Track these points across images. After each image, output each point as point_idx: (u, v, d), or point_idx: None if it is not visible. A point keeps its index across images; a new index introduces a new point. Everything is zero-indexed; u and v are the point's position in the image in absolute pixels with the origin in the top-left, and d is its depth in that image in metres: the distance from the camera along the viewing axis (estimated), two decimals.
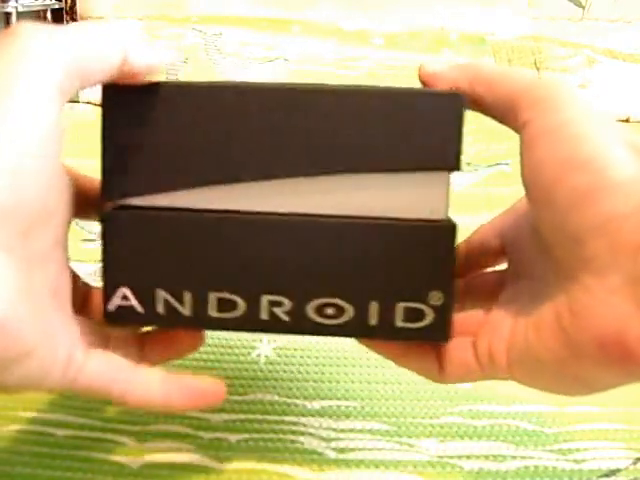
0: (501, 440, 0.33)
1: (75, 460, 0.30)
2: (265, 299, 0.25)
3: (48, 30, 0.22)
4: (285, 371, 0.37)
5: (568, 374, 0.22)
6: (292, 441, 0.32)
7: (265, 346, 0.39)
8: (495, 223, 0.30)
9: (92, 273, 0.48)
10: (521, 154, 0.24)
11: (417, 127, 0.24)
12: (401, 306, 0.25)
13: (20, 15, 1.24)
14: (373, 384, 0.37)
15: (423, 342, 0.26)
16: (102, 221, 0.25)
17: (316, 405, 0.35)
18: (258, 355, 0.39)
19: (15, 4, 1.21)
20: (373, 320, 0.25)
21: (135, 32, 0.26)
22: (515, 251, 0.28)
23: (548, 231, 0.23)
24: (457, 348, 0.26)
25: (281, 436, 0.32)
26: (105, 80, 0.23)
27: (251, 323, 0.25)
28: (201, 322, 0.26)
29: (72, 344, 0.24)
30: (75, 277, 0.28)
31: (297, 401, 0.35)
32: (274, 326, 0.25)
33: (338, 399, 0.35)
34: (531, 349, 0.23)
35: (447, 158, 0.24)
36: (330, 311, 0.25)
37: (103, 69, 0.23)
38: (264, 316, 0.25)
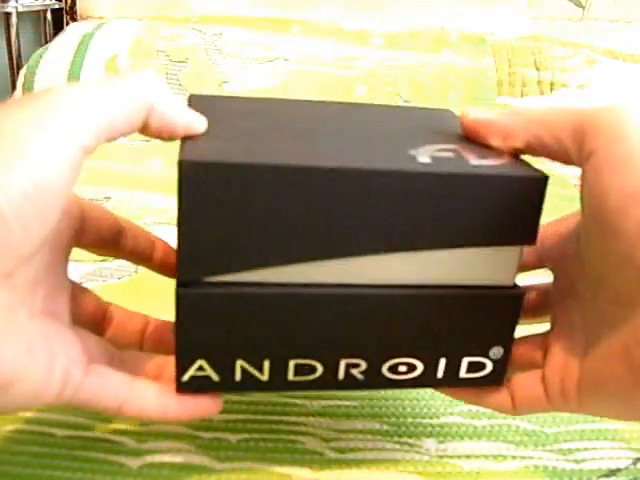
0: (501, 440, 0.33)
1: (75, 460, 0.30)
2: (343, 362, 0.26)
3: (82, 91, 0.22)
4: None
5: (638, 403, 0.22)
6: (292, 441, 0.32)
7: None
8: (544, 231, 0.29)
9: (91, 273, 0.48)
10: (583, 184, 0.23)
11: (497, 208, 0.24)
12: (466, 360, 0.27)
13: (20, 15, 1.24)
14: None
15: (481, 386, 0.28)
16: (176, 299, 0.24)
17: (316, 405, 0.35)
18: None
19: (15, 4, 1.21)
20: (440, 373, 0.27)
21: (159, 83, 0.26)
22: (559, 269, 0.28)
23: (611, 261, 0.22)
24: (527, 385, 0.27)
25: (281, 436, 0.32)
26: (127, 134, 0.24)
27: (328, 383, 0.26)
28: (279, 386, 0.26)
29: (70, 363, 0.24)
30: (90, 295, 0.29)
31: (297, 401, 0.35)
32: (349, 385, 0.27)
33: (338, 399, 0.35)
34: (602, 382, 0.23)
35: (525, 235, 0.25)
36: (402, 369, 0.27)
37: (128, 126, 0.23)
38: (341, 377, 0.26)
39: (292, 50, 1.10)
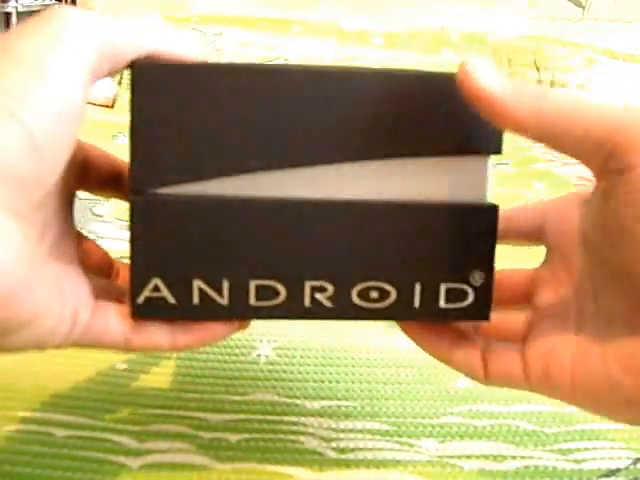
0: (501, 440, 0.33)
1: (75, 460, 0.30)
2: (308, 285, 0.24)
3: (84, 13, 0.22)
4: (285, 371, 0.37)
5: None
6: (292, 441, 0.32)
7: (265, 346, 0.39)
8: (537, 210, 0.28)
9: None
10: (612, 199, 0.21)
11: (459, 111, 0.24)
12: (444, 287, 0.25)
13: (20, 15, 1.24)
14: (373, 384, 0.36)
15: (465, 321, 0.26)
16: (130, 209, 0.24)
17: (316, 405, 0.35)
18: (258, 355, 0.39)
19: (15, 4, 1.21)
20: (416, 302, 0.25)
21: (166, 24, 0.26)
22: (558, 253, 0.26)
23: (637, 274, 0.21)
24: (503, 355, 0.25)
25: (281, 436, 0.32)
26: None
27: (293, 310, 0.25)
28: (240, 311, 0.25)
29: (79, 304, 0.24)
30: (95, 245, 0.29)
31: (297, 401, 0.35)
32: (316, 313, 0.25)
33: (338, 399, 0.35)
34: (618, 387, 0.22)
35: (489, 142, 0.24)
36: (374, 295, 0.25)
37: (134, 53, 0.23)
38: (306, 303, 0.24)
39: (292, 50, 1.10)
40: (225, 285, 0.24)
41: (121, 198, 0.29)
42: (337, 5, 1.26)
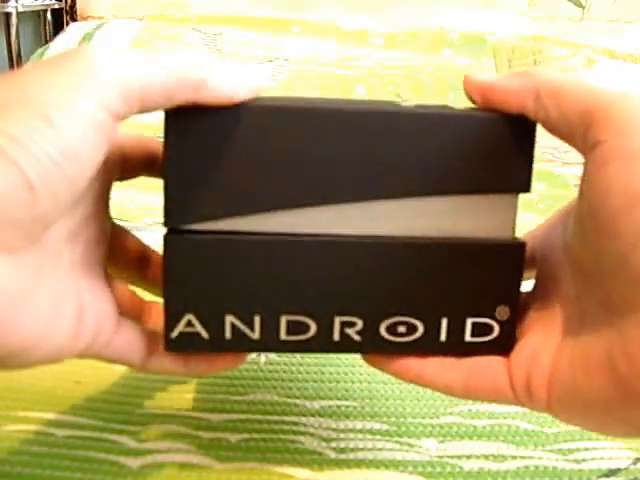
0: (501, 440, 0.33)
1: (75, 460, 0.30)
2: (338, 320, 0.25)
3: (112, 53, 0.21)
4: (285, 371, 0.37)
5: (618, 417, 0.21)
6: (292, 441, 0.32)
7: None
8: (529, 237, 0.28)
9: None
10: (585, 178, 0.22)
11: (488, 150, 0.24)
12: (470, 321, 0.25)
13: (20, 15, 1.24)
14: (373, 384, 0.37)
15: (489, 355, 0.26)
16: (164, 247, 0.24)
17: (316, 405, 0.35)
18: (258, 355, 0.39)
19: (15, 4, 1.21)
20: (443, 336, 0.25)
21: (214, 58, 0.25)
22: (543, 264, 0.26)
23: (605, 262, 0.21)
24: (489, 369, 0.25)
25: (281, 436, 0.32)
26: (177, 105, 0.22)
27: (322, 345, 0.25)
28: (271, 346, 0.25)
29: (102, 318, 0.24)
30: (132, 238, 0.29)
31: (297, 401, 0.35)
32: (345, 347, 0.26)
33: (338, 399, 0.35)
34: (579, 390, 0.22)
35: (518, 181, 0.25)
36: (402, 329, 0.25)
37: (166, 98, 0.22)
38: (336, 337, 0.25)
39: (292, 50, 1.10)
40: (257, 320, 0.25)
41: (153, 176, 0.29)
42: (337, 5, 1.26)
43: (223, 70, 0.23)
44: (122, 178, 0.28)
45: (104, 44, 0.23)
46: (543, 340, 0.24)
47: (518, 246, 0.25)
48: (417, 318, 0.25)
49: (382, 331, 0.25)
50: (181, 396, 0.35)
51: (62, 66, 0.20)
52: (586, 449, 0.32)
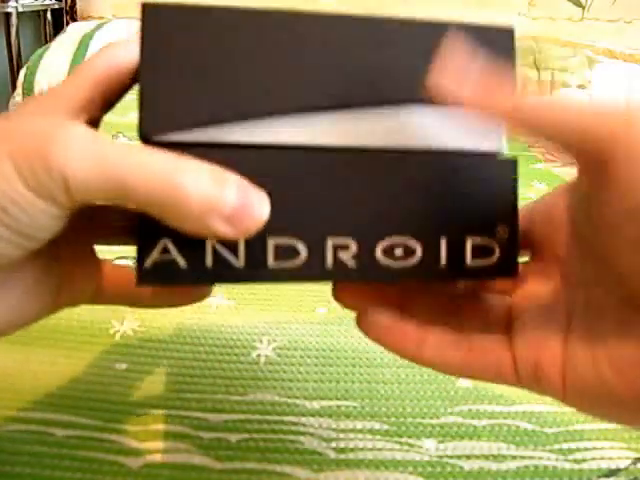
0: (501, 440, 0.33)
1: (75, 460, 0.30)
2: (330, 243, 0.23)
3: (64, 148, 0.19)
4: (285, 371, 0.37)
5: None
6: (292, 441, 0.32)
7: (265, 346, 0.39)
8: (525, 211, 0.27)
9: None
10: (594, 192, 0.20)
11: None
12: (470, 242, 0.24)
13: (20, 15, 1.24)
14: (373, 384, 0.36)
15: (493, 278, 0.25)
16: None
17: (316, 405, 0.35)
18: (258, 355, 0.39)
19: (15, 4, 1.21)
20: (443, 260, 0.24)
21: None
22: (545, 242, 0.25)
23: (623, 254, 0.20)
24: (491, 349, 0.24)
25: (281, 436, 0.32)
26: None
27: (314, 272, 0.23)
28: (258, 275, 0.23)
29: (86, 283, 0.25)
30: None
31: (297, 401, 0.35)
32: (339, 274, 0.23)
33: (338, 399, 0.35)
34: (608, 387, 0.21)
35: None
36: (399, 252, 0.23)
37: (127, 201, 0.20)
38: (329, 263, 0.23)
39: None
40: (241, 245, 0.22)
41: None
42: (337, 5, 1.26)
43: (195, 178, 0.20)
44: (102, 239, 0.27)
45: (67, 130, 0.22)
46: (547, 324, 0.23)
47: (509, 162, 0.24)
48: (414, 237, 0.24)
49: (378, 255, 0.23)
50: (181, 396, 0.35)
51: (17, 156, 0.19)
52: (586, 449, 0.32)
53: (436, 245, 0.24)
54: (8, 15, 1.22)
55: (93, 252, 0.26)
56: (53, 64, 1.04)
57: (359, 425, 0.33)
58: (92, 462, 0.30)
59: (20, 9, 1.23)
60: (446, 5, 1.28)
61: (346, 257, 0.23)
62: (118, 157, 0.19)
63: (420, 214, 0.23)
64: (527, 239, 0.26)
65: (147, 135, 0.22)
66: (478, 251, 0.24)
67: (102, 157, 0.19)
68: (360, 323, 0.25)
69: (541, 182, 0.71)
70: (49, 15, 1.34)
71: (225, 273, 0.22)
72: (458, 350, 0.24)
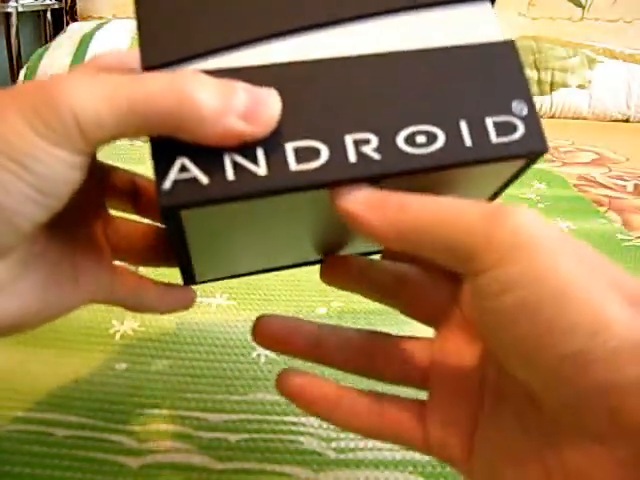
0: None
1: (75, 460, 0.30)
2: (349, 139, 0.23)
3: (72, 90, 0.19)
4: None
5: None
6: (292, 441, 0.32)
7: None
8: (396, 272, 0.27)
9: None
10: (476, 306, 0.20)
11: None
12: (490, 121, 0.24)
13: (20, 15, 1.24)
14: (373, 384, 0.36)
15: (525, 154, 0.24)
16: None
17: None
18: (258, 355, 0.39)
19: (15, 4, 1.21)
20: (467, 141, 0.23)
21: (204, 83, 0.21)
22: (453, 323, 0.25)
23: (535, 388, 0.19)
24: (402, 415, 0.25)
25: (281, 436, 0.32)
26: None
27: (339, 169, 0.22)
28: (282, 181, 0.22)
29: (97, 286, 0.25)
30: (119, 174, 0.28)
31: None
32: (365, 168, 0.22)
33: None
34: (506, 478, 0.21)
35: None
36: (421, 139, 0.23)
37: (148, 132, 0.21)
38: (352, 159, 0.22)
39: None
40: (260, 153, 0.22)
41: (143, 216, 0.29)
42: None
43: (207, 88, 0.20)
44: (112, 207, 0.28)
45: (68, 76, 0.22)
46: (459, 400, 0.24)
47: (508, 43, 0.25)
48: (434, 124, 0.23)
49: (400, 143, 0.23)
50: (181, 396, 0.35)
51: (25, 108, 0.19)
52: None
53: (457, 128, 0.24)
54: (8, 15, 1.22)
55: (105, 243, 0.27)
56: (53, 64, 1.05)
57: None
58: (92, 462, 0.30)
59: (20, 9, 1.23)
60: None
61: (369, 150, 0.23)
62: (124, 84, 0.19)
63: (435, 103, 0.24)
64: (395, 295, 0.27)
65: (149, 64, 0.22)
66: (501, 128, 0.24)
67: (108, 87, 0.19)
68: (277, 383, 0.26)
69: (541, 182, 0.71)
70: (49, 15, 1.35)
71: (248, 183, 0.22)
72: (370, 417, 0.25)
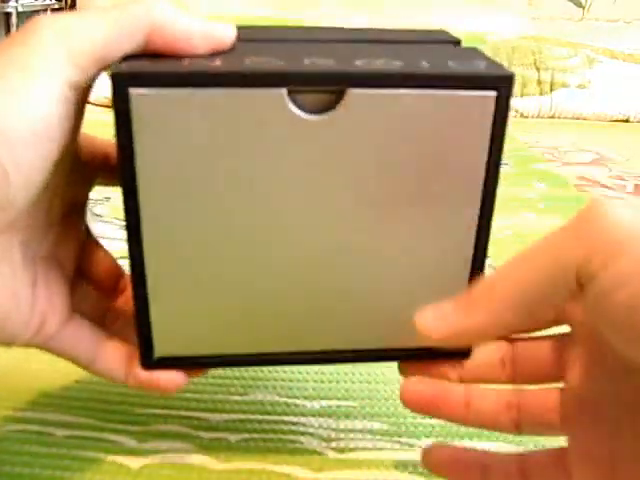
0: (501, 440, 0.33)
1: (75, 460, 0.30)
2: (307, 60, 0.22)
3: (56, 22, 0.21)
4: (285, 371, 0.37)
5: None
6: (292, 441, 0.32)
7: None
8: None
9: None
10: (594, 311, 0.19)
11: None
12: (452, 62, 0.23)
13: (20, 15, 1.24)
14: (373, 384, 0.36)
15: (487, 80, 0.23)
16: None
17: (316, 405, 0.35)
18: None
19: (15, 4, 1.22)
20: (426, 66, 0.23)
21: (167, 4, 0.22)
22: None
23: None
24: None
25: (281, 436, 0.32)
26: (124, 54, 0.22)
27: (294, 67, 0.22)
28: (235, 68, 0.22)
29: (50, 311, 0.24)
30: (104, 256, 0.29)
31: (297, 401, 0.35)
32: (321, 68, 0.22)
33: (338, 399, 0.35)
34: None
35: None
36: (380, 62, 0.23)
37: (124, 49, 0.22)
38: (307, 63, 0.22)
39: None
40: (217, 58, 0.22)
41: None
42: (337, 5, 1.26)
43: (175, 13, 0.22)
44: (102, 183, 0.28)
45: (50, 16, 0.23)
46: (596, 440, 0.22)
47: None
48: (393, 58, 0.23)
49: (358, 63, 0.23)
50: (181, 396, 0.35)
51: (17, 41, 0.21)
52: None
53: (417, 61, 0.23)
54: (8, 15, 1.22)
55: (70, 261, 0.27)
56: None
57: (359, 425, 0.33)
58: (92, 462, 0.30)
59: (20, 9, 1.23)
60: (447, 4, 1.28)
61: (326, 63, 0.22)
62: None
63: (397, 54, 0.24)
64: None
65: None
66: (462, 64, 0.23)
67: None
68: (423, 457, 0.27)
69: (541, 182, 0.71)
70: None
71: (201, 66, 0.22)
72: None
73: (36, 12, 1.33)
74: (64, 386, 0.35)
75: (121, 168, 0.22)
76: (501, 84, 0.23)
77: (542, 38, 1.21)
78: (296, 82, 0.21)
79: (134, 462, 0.30)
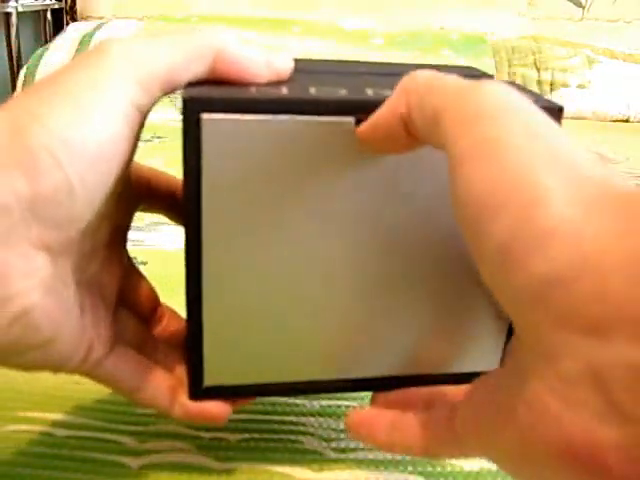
0: None
1: (75, 460, 0.30)
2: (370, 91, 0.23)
3: (125, 44, 0.22)
4: None
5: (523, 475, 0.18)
6: (292, 441, 0.32)
7: None
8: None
9: None
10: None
11: None
12: None
13: (20, 15, 1.24)
14: None
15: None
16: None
17: (316, 405, 0.35)
18: None
19: (15, 4, 1.21)
20: None
21: (231, 34, 0.23)
22: None
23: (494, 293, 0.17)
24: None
25: (281, 436, 0.32)
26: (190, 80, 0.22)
27: (358, 97, 0.22)
28: (302, 95, 0.22)
29: (96, 338, 0.24)
30: (144, 284, 0.29)
31: (297, 401, 0.35)
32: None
33: (338, 399, 0.35)
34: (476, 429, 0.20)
35: None
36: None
37: (189, 75, 0.22)
38: (369, 93, 0.23)
39: (292, 50, 1.10)
40: (283, 87, 0.23)
41: (171, 218, 0.30)
42: (337, 5, 1.26)
43: (240, 43, 0.23)
44: (145, 209, 0.29)
45: (119, 36, 0.23)
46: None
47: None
48: None
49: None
50: None
51: (85, 66, 0.21)
52: None
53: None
54: (8, 15, 1.22)
55: (113, 287, 0.27)
56: (53, 64, 1.04)
57: None
58: (92, 462, 0.30)
59: (20, 9, 1.23)
60: (447, 4, 1.28)
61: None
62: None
63: None
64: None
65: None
66: None
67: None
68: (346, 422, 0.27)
69: None
70: (49, 15, 1.35)
71: (270, 94, 0.22)
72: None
73: (36, 12, 1.33)
74: (64, 386, 0.35)
75: (186, 194, 0.22)
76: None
77: (542, 38, 1.21)
78: (364, 111, 0.22)
79: (134, 462, 0.30)
